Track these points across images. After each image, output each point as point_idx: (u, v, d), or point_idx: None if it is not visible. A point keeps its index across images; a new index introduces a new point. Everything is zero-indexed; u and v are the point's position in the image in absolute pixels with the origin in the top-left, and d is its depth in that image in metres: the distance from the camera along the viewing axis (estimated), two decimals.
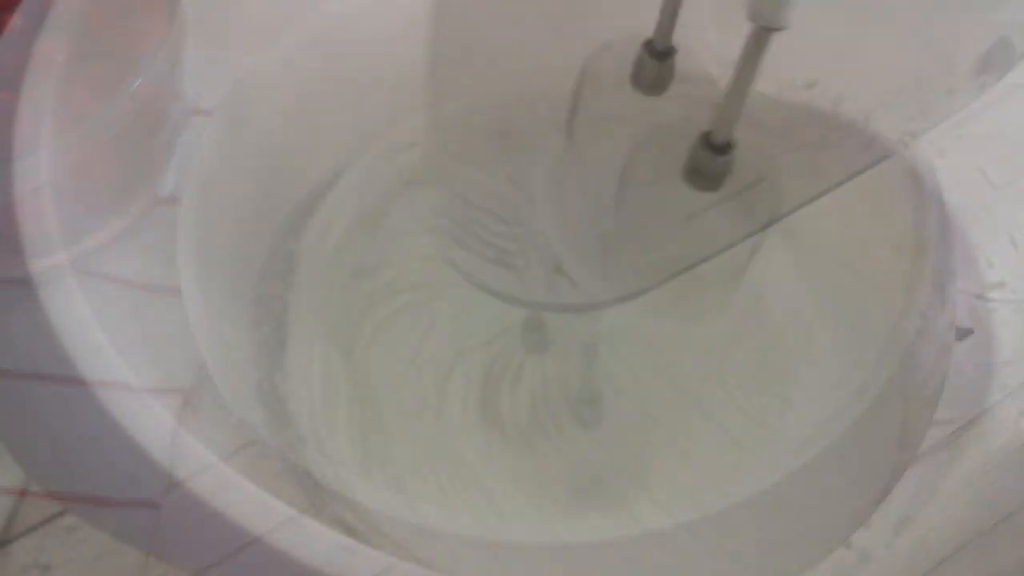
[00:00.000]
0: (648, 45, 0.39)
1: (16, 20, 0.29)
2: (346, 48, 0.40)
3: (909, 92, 0.41)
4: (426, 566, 0.32)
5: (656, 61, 0.39)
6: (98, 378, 0.23)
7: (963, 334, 0.38)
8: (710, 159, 0.37)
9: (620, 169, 0.41)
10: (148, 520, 0.22)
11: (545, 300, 0.41)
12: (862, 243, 0.43)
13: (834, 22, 0.41)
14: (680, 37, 0.39)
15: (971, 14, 0.38)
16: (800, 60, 0.43)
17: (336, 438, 0.37)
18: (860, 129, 0.43)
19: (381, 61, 0.41)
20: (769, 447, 0.38)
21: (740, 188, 0.39)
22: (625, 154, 0.41)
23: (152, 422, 0.22)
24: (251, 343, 0.37)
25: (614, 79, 0.42)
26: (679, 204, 0.39)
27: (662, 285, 0.41)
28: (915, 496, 0.35)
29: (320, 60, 0.39)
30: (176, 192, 0.34)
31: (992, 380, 0.36)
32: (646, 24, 0.37)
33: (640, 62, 0.40)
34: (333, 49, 0.39)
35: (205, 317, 0.34)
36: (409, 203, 0.43)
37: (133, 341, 0.27)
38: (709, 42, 0.33)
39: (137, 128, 0.32)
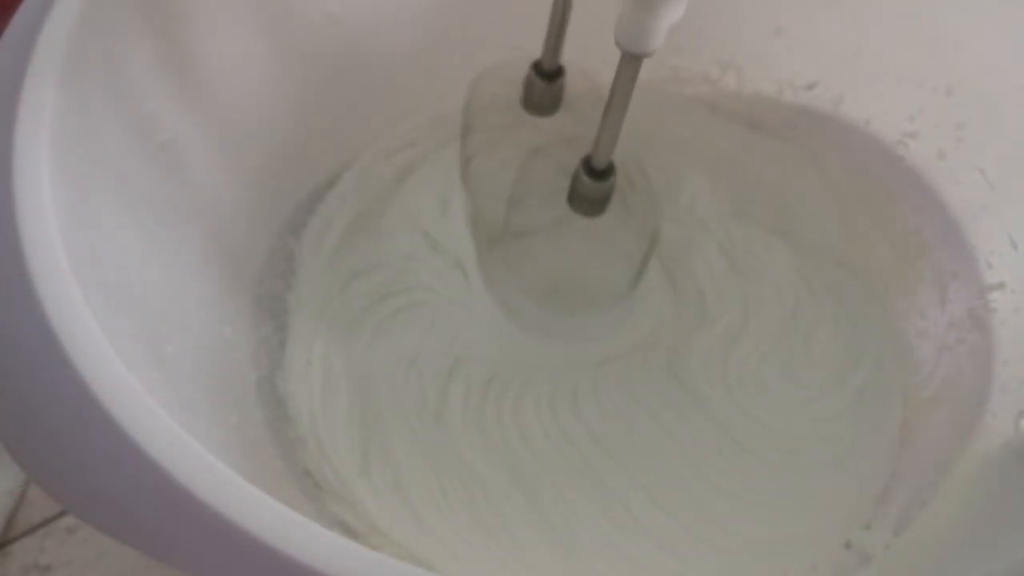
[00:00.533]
0: (536, 65, 0.39)
1: (16, 20, 0.29)
2: (345, 48, 0.40)
3: (909, 93, 0.41)
4: (426, 566, 0.32)
5: (545, 82, 0.39)
6: (97, 378, 0.23)
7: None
8: (590, 184, 0.36)
9: (508, 190, 0.41)
10: (148, 520, 0.22)
11: None
12: (862, 243, 0.43)
13: (834, 23, 0.41)
14: (574, 57, 0.38)
15: None
16: (800, 61, 0.43)
17: (336, 438, 0.37)
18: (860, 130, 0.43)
19: (381, 60, 0.41)
20: (769, 447, 0.38)
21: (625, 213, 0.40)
22: (513, 176, 0.42)
23: (152, 422, 0.22)
24: (251, 343, 0.37)
25: (504, 99, 0.41)
26: (565, 228, 0.39)
27: (553, 309, 0.41)
28: (915, 496, 0.36)
29: (320, 60, 0.39)
30: (177, 191, 0.34)
31: (992, 380, 0.36)
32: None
33: (529, 83, 0.39)
34: (333, 49, 0.39)
35: (205, 317, 0.34)
36: (408, 203, 0.43)
37: (133, 341, 0.27)
38: (598, 63, 0.33)
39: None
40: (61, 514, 0.40)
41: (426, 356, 0.39)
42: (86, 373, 0.23)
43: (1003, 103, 0.37)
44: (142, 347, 0.27)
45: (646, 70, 0.45)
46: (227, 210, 0.37)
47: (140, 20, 0.31)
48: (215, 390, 0.33)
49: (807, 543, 0.36)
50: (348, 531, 0.35)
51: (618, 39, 0.30)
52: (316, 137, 0.41)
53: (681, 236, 0.42)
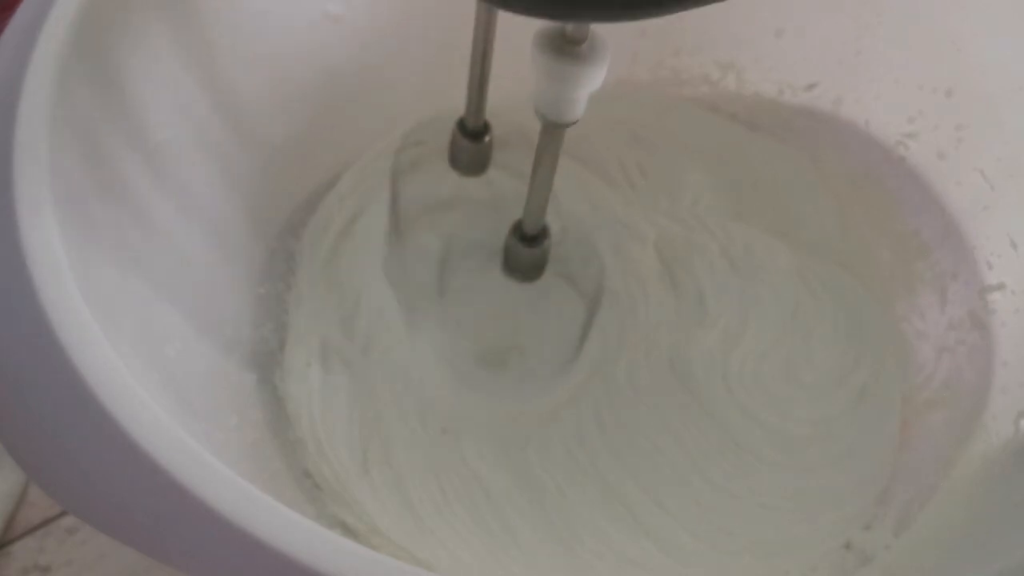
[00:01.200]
0: (460, 124, 0.37)
1: (16, 20, 0.29)
2: (346, 47, 0.40)
3: (909, 93, 0.41)
4: (426, 567, 0.32)
5: (470, 141, 0.37)
6: (97, 379, 0.23)
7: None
8: (523, 251, 0.35)
9: (440, 255, 0.40)
10: (147, 521, 0.22)
11: None
12: (862, 244, 0.43)
13: (834, 24, 0.41)
14: (503, 109, 0.36)
15: None
16: (800, 62, 0.43)
17: (335, 439, 0.37)
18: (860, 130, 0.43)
19: (382, 60, 0.41)
20: (769, 447, 0.38)
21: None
22: (444, 240, 0.40)
23: (152, 422, 0.22)
24: (251, 343, 0.37)
25: (430, 160, 0.40)
26: (501, 295, 0.38)
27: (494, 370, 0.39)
28: (915, 496, 0.36)
29: (320, 60, 0.39)
30: (176, 191, 0.34)
31: (992, 381, 0.36)
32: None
33: (454, 142, 0.37)
34: (333, 49, 0.39)
35: (205, 318, 0.34)
36: (408, 203, 0.43)
37: (133, 342, 0.27)
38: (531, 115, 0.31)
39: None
40: (61, 514, 0.40)
41: (426, 357, 0.39)
42: (86, 373, 0.23)
43: (1003, 103, 0.37)
44: (142, 348, 0.27)
45: (646, 71, 0.45)
46: (227, 211, 0.37)
47: (138, 21, 0.31)
48: (215, 391, 0.33)
49: (807, 543, 0.36)
50: (348, 532, 0.35)
51: (538, 109, 0.29)
52: (316, 137, 0.41)
53: (681, 236, 0.42)
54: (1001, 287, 0.37)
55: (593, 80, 0.27)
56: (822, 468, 0.38)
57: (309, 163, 0.42)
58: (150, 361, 0.28)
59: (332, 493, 0.36)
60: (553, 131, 0.30)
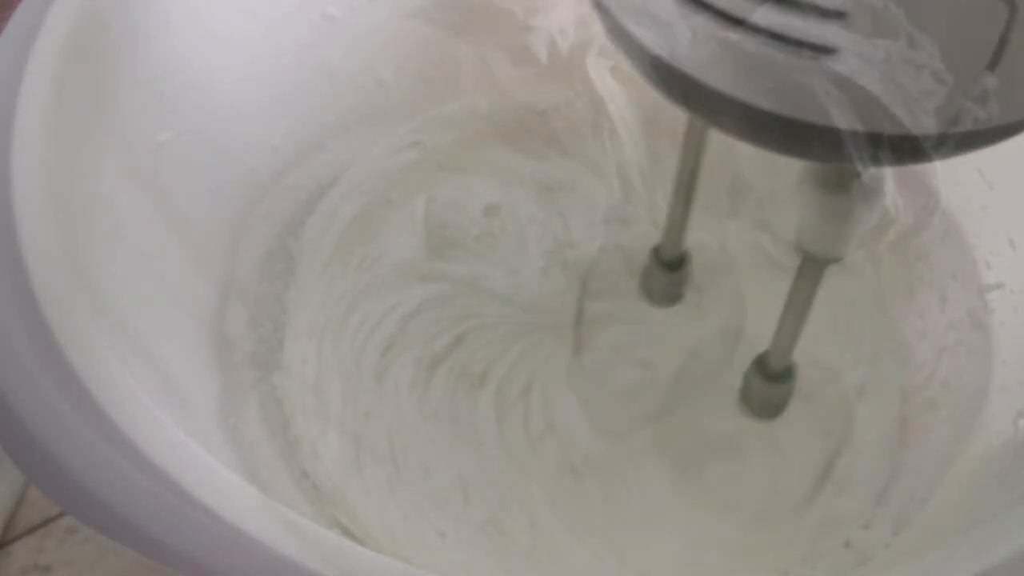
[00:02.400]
0: (656, 253, 0.34)
1: (16, 19, 0.29)
2: (344, 48, 0.40)
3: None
4: (422, 567, 0.32)
5: (665, 272, 0.34)
6: (95, 379, 0.23)
7: None
8: (764, 387, 0.32)
9: (641, 402, 0.36)
10: (146, 522, 0.22)
11: None
12: (861, 243, 0.43)
13: None
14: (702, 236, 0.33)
15: None
16: None
17: (328, 439, 0.37)
18: None
19: (380, 61, 0.41)
20: (769, 445, 0.38)
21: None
22: (638, 383, 0.37)
23: (150, 423, 0.22)
24: (250, 343, 0.37)
25: (620, 289, 0.37)
26: (729, 431, 0.35)
27: None
28: (914, 495, 0.35)
29: (319, 60, 0.39)
30: (175, 191, 0.34)
31: (991, 380, 0.36)
32: None
33: (647, 272, 0.34)
34: (332, 49, 0.39)
35: (203, 317, 0.35)
36: (408, 203, 0.43)
37: (131, 342, 0.27)
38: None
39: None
40: (61, 514, 0.40)
41: (425, 358, 0.39)
42: (84, 373, 0.23)
43: None
44: (141, 348, 0.28)
45: None
46: (226, 211, 0.37)
47: (136, 22, 0.31)
48: (214, 391, 0.33)
49: (807, 543, 0.36)
50: (346, 532, 0.35)
51: (804, 244, 0.26)
52: (316, 137, 0.41)
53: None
54: (1000, 286, 0.37)
55: (872, 216, 0.24)
56: (821, 466, 0.38)
57: (309, 163, 0.42)
58: (149, 361, 0.28)
59: (326, 494, 0.35)
60: (815, 265, 0.27)
